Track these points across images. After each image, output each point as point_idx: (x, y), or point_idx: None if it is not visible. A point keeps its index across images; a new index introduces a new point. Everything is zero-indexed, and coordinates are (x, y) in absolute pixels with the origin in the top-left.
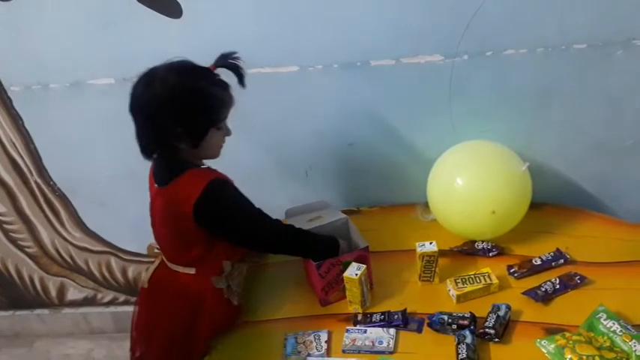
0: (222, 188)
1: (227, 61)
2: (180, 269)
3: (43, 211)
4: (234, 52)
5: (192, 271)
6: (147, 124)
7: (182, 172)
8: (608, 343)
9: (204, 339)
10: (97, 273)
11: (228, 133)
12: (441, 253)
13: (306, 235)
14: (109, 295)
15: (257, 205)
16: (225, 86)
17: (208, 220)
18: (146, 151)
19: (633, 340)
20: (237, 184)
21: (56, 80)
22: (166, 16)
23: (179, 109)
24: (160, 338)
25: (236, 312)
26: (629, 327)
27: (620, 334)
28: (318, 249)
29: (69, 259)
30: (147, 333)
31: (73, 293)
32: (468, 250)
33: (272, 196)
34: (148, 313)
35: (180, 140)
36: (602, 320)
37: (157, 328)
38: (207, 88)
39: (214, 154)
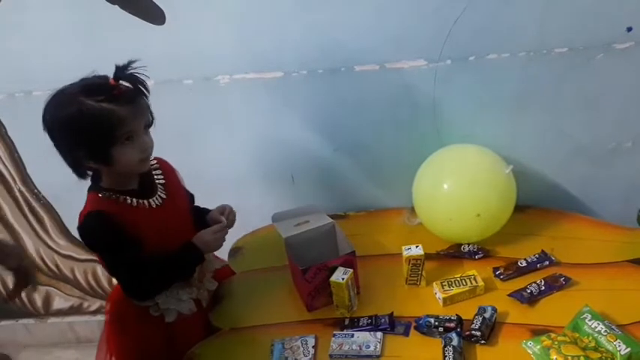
0: (93, 225)
1: (123, 73)
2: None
3: (27, 219)
4: (132, 61)
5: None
6: (57, 148)
7: (88, 190)
8: (593, 344)
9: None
10: (83, 281)
11: (143, 146)
12: (428, 256)
13: (164, 262)
14: (96, 304)
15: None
16: (123, 100)
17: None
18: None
19: (618, 340)
20: (222, 189)
21: (39, 87)
22: (150, 22)
23: (72, 134)
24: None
25: (173, 329)
26: (613, 327)
27: (605, 334)
28: (183, 266)
29: (54, 268)
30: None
31: (59, 302)
32: (454, 253)
33: (258, 201)
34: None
35: (87, 161)
36: (586, 321)
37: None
38: (95, 106)
39: (133, 169)
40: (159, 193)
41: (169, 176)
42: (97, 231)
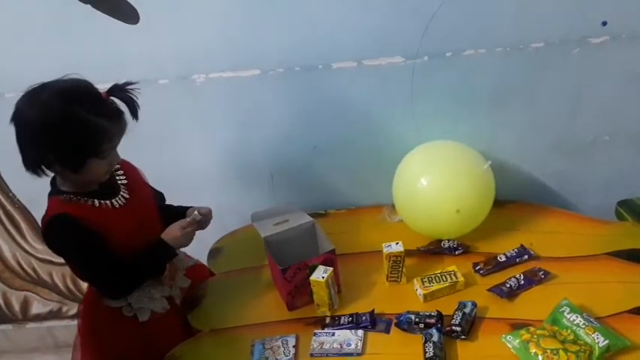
0: (59, 229)
1: (120, 92)
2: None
3: (2, 223)
4: (131, 83)
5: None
6: (21, 142)
7: (49, 195)
8: (571, 337)
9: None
10: (61, 285)
11: (113, 161)
12: (408, 253)
13: (136, 260)
14: (75, 308)
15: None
16: (113, 116)
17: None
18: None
19: (596, 333)
20: (200, 189)
21: (12, 89)
22: (123, 22)
23: (53, 137)
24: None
25: (148, 329)
26: (591, 319)
27: (583, 326)
28: (155, 263)
29: (32, 273)
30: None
31: (37, 307)
32: (434, 250)
33: (237, 200)
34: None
35: (51, 167)
36: (565, 314)
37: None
38: (88, 118)
39: (94, 181)
40: (121, 193)
41: (132, 176)
42: (64, 233)
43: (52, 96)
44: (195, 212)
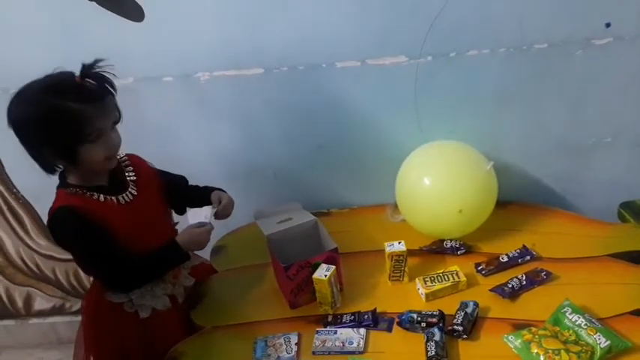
0: (63, 220)
1: (90, 71)
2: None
3: (6, 219)
4: (99, 60)
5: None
6: (22, 144)
7: (57, 188)
8: (573, 337)
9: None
10: (64, 281)
11: (109, 145)
12: (411, 252)
13: (147, 260)
14: (78, 304)
15: None
16: (89, 98)
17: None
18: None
19: (598, 334)
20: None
21: (16, 85)
22: (128, 19)
23: (37, 130)
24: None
25: (149, 325)
26: (593, 320)
27: (585, 327)
28: (164, 264)
29: (35, 268)
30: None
31: (40, 303)
32: (436, 249)
33: (240, 199)
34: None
35: (52, 159)
36: (567, 314)
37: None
38: (64, 105)
39: (100, 168)
40: (129, 189)
41: (141, 171)
42: (67, 224)
43: (30, 92)
44: (213, 206)
